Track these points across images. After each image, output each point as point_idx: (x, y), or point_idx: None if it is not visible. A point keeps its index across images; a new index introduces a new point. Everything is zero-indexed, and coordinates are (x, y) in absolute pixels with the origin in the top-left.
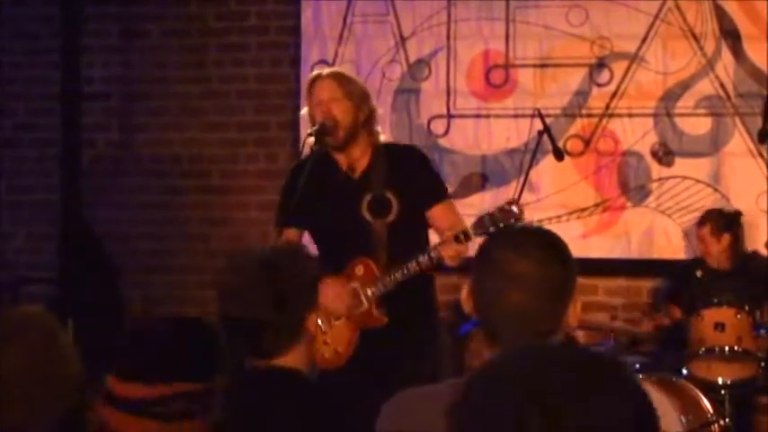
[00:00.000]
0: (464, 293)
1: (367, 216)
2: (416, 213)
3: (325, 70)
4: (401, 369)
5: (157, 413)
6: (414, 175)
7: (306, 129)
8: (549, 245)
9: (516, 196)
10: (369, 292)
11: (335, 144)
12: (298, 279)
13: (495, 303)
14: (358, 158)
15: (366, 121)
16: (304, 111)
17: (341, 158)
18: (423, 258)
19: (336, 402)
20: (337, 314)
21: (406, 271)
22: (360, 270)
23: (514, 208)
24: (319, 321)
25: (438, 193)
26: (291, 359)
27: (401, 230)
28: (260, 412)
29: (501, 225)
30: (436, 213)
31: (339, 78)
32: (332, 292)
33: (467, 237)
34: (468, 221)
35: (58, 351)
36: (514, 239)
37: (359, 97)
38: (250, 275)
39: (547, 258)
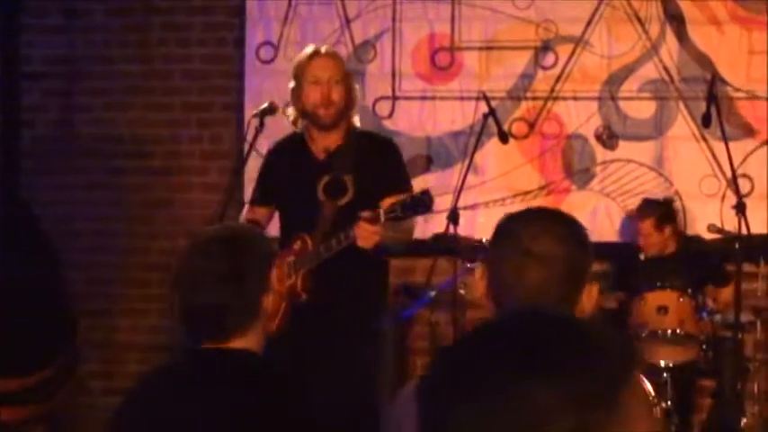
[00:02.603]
0: (477, 274)
1: (321, 196)
2: (372, 201)
3: (323, 48)
4: (330, 354)
5: (24, 399)
6: (378, 163)
7: (253, 108)
8: (570, 225)
9: (460, 181)
10: (297, 266)
11: (326, 123)
12: (254, 258)
13: (515, 280)
14: (333, 143)
15: (352, 106)
16: (292, 85)
17: (318, 140)
18: (342, 235)
19: (292, 384)
20: None
21: (328, 247)
22: (297, 245)
23: (425, 198)
24: None
25: (397, 185)
26: (247, 341)
27: (351, 215)
28: (215, 395)
29: (410, 213)
30: (385, 203)
31: (337, 59)
32: None
33: (377, 219)
34: None
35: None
36: (535, 217)
37: (350, 80)
38: (206, 255)
39: (568, 238)
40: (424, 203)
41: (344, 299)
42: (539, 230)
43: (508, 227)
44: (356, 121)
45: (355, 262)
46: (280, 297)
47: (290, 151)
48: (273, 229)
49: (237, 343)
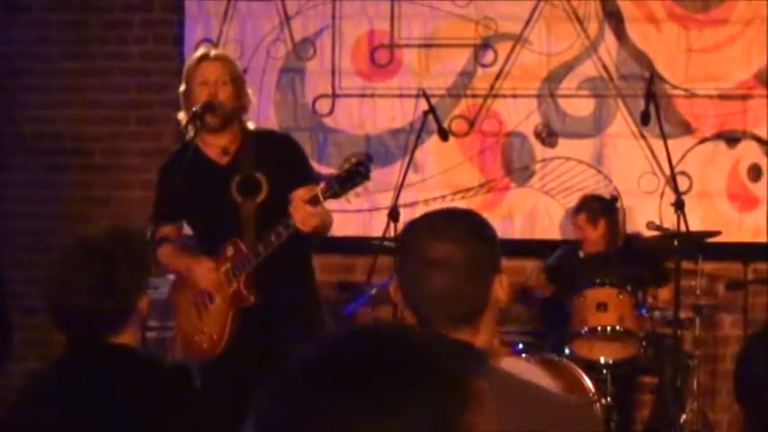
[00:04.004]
0: (392, 288)
1: (237, 197)
2: (286, 194)
3: (212, 51)
4: (282, 349)
5: None
6: (282, 156)
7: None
8: (466, 223)
9: (401, 179)
10: (237, 272)
11: (213, 126)
12: (125, 264)
13: (418, 289)
14: (229, 144)
15: (242, 108)
16: (182, 88)
17: (212, 144)
18: (280, 228)
19: (172, 374)
20: (208, 289)
21: (267, 245)
22: (230, 251)
23: (360, 167)
24: (192, 311)
25: (306, 176)
26: (123, 339)
27: (271, 210)
28: (93, 388)
29: (348, 186)
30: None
31: (227, 61)
32: (201, 271)
33: (316, 200)
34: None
35: None
36: (430, 223)
37: (241, 83)
38: (74, 263)
39: (464, 237)
40: (360, 173)
41: (283, 293)
42: (433, 236)
43: (406, 238)
44: (249, 124)
45: (284, 255)
46: (225, 306)
47: (187, 163)
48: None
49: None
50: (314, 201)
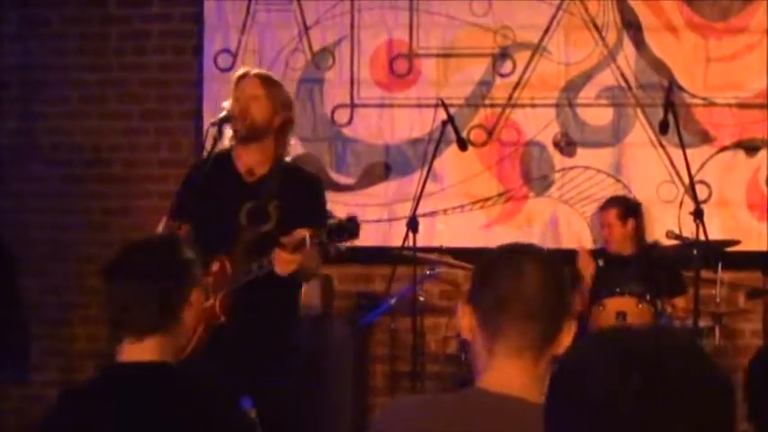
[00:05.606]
0: (461, 311)
1: (243, 221)
2: (290, 232)
3: (254, 71)
4: (243, 376)
5: None
6: (302, 198)
7: (211, 116)
8: (543, 251)
9: (419, 189)
10: (216, 289)
11: (241, 135)
12: (188, 266)
13: (516, 282)
14: (258, 163)
15: (279, 128)
16: (227, 103)
17: (242, 158)
18: (264, 260)
19: (213, 393)
20: None
21: (246, 273)
22: (215, 267)
23: (351, 225)
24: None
25: (315, 223)
26: (162, 346)
27: (270, 242)
28: (131, 410)
29: (336, 240)
30: (303, 232)
31: (265, 79)
32: None
33: (301, 245)
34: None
35: None
36: (512, 245)
37: (280, 103)
38: (147, 250)
39: (547, 257)
40: (349, 230)
41: (259, 319)
42: (520, 252)
43: (495, 250)
44: (287, 155)
45: (269, 283)
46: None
47: (217, 167)
48: None
49: (153, 346)
50: (298, 246)
